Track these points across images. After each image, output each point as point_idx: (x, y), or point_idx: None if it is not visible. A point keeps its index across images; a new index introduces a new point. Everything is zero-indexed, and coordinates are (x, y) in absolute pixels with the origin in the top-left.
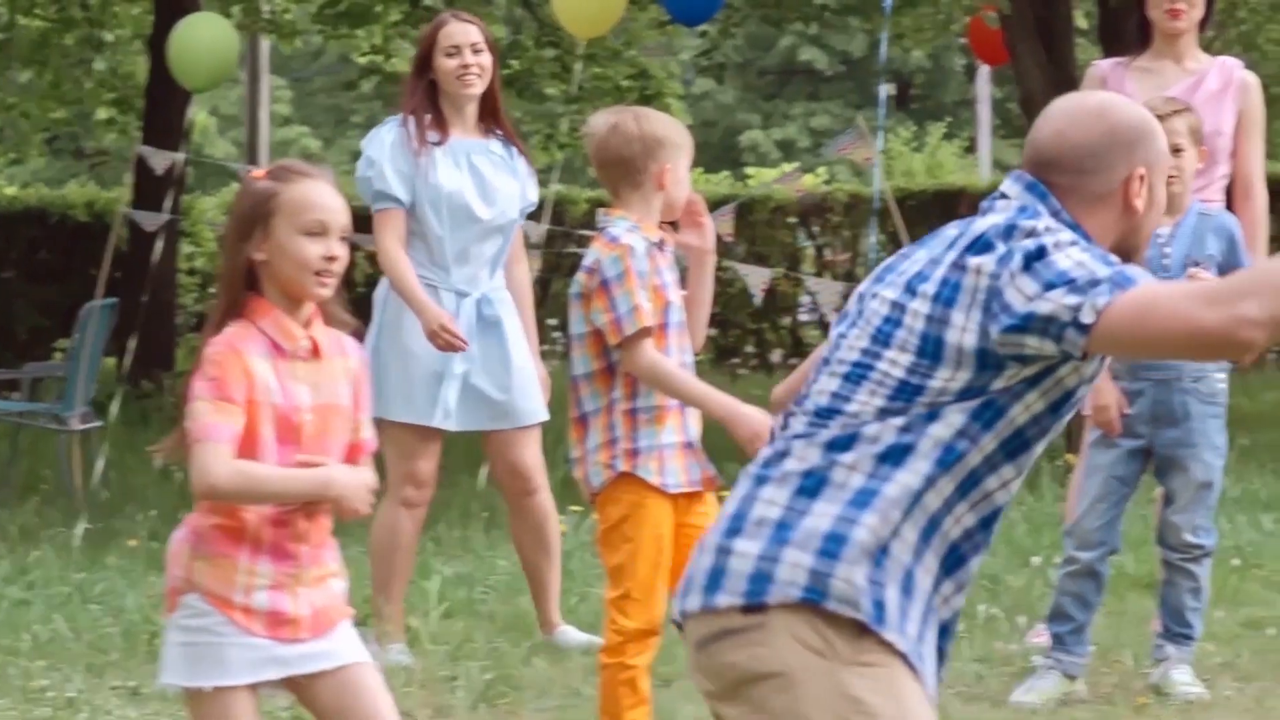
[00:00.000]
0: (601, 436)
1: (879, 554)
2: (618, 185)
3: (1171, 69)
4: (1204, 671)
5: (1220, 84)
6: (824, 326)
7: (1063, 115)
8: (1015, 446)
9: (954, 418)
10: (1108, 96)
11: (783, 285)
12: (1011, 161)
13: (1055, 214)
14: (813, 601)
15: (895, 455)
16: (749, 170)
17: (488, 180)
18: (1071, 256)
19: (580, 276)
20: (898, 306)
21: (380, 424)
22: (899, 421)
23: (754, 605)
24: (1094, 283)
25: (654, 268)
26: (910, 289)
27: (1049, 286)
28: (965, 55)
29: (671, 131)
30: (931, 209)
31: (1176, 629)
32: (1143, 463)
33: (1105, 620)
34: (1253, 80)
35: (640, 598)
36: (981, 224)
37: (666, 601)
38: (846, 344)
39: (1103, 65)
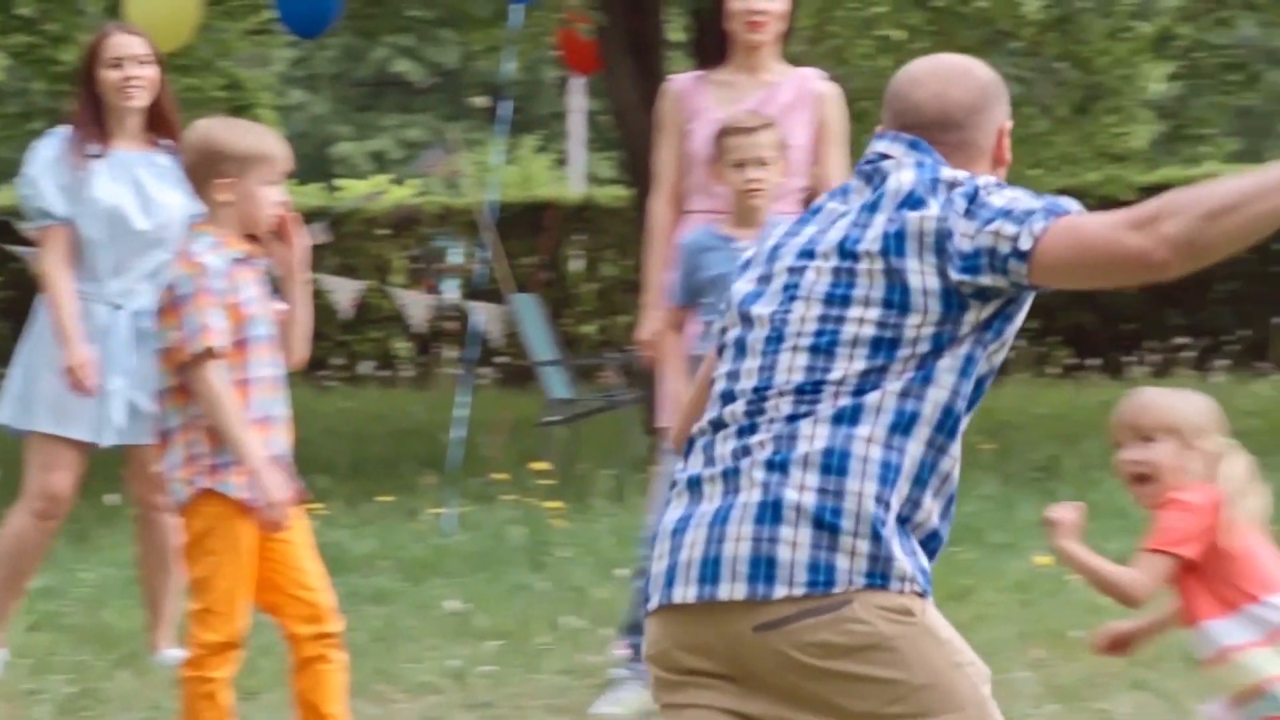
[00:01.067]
0: (183, 452)
1: (908, 524)
2: (199, 197)
3: (748, 81)
4: None
5: (794, 96)
6: (416, 338)
7: (936, 78)
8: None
9: (946, 379)
10: (961, 57)
11: (374, 298)
12: (605, 174)
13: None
14: (878, 586)
15: (904, 425)
16: (340, 182)
17: (149, 192)
18: (1004, 194)
19: (161, 292)
20: (842, 271)
21: (25, 435)
22: (897, 387)
23: (818, 595)
24: (1029, 212)
25: (233, 285)
26: (847, 252)
27: (987, 221)
28: (559, 68)
29: (243, 144)
30: (523, 221)
31: None
32: None
33: None
34: (831, 91)
35: (222, 611)
36: (899, 182)
37: (248, 615)
38: (795, 318)
39: (680, 79)
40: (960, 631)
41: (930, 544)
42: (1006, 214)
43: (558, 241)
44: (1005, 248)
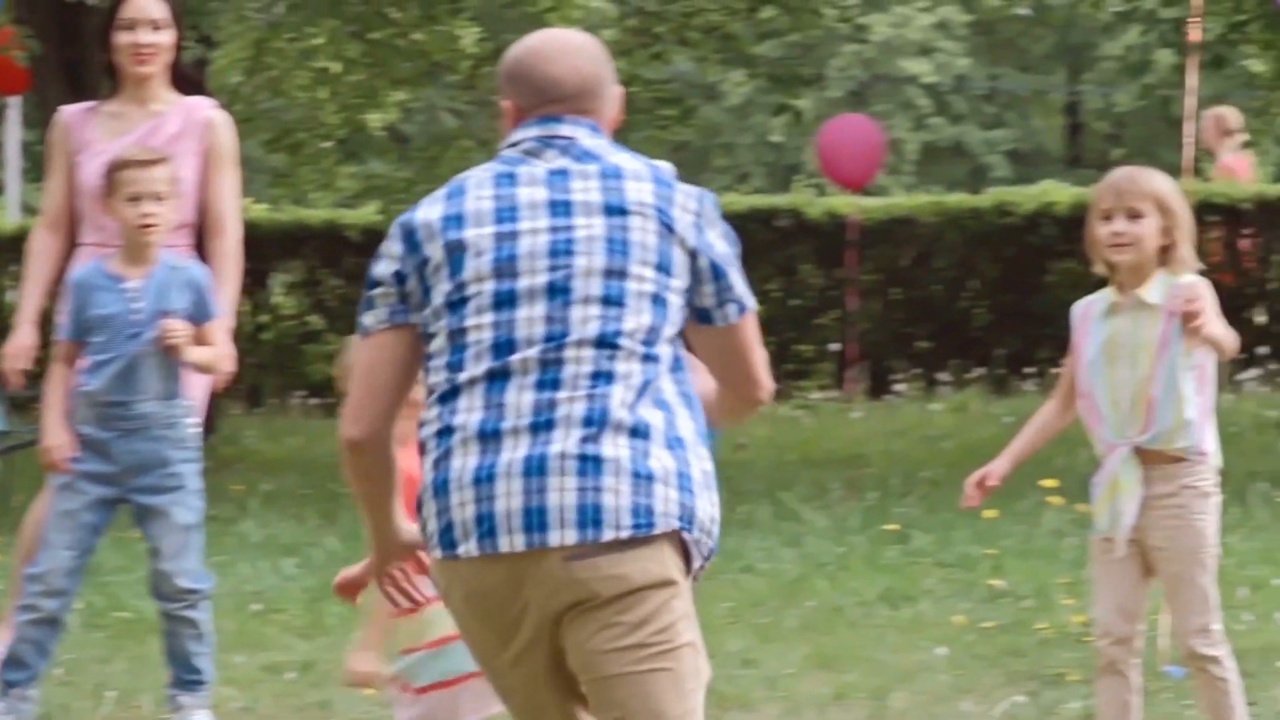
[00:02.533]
0: None
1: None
2: None
3: (137, 113)
4: (225, 716)
5: (181, 125)
6: None
7: (564, 52)
8: None
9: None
10: (568, 31)
11: None
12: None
13: None
14: (683, 530)
15: (679, 369)
16: None
17: None
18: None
19: None
20: (615, 242)
21: None
22: (670, 339)
23: (640, 538)
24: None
25: None
26: (616, 211)
27: (730, 259)
28: None
29: None
30: None
31: (186, 676)
32: (112, 511)
33: (127, 665)
34: (220, 117)
35: None
36: (620, 163)
37: None
38: (578, 278)
39: (69, 110)
40: None
41: None
42: (735, 263)
43: None
44: (739, 289)
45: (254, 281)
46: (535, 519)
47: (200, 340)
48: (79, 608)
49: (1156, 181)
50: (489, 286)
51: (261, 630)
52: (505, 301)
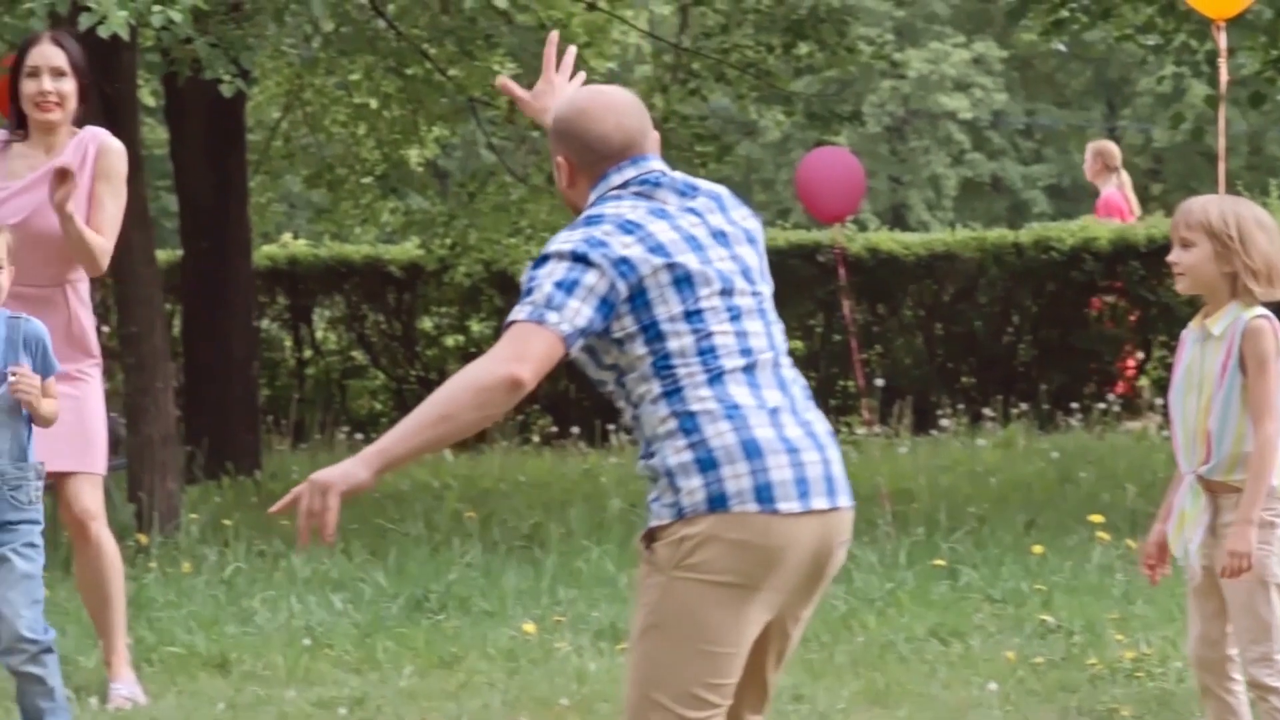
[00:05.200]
0: None
1: None
2: None
3: (41, 158)
4: None
5: (74, 156)
6: None
7: (629, 102)
8: None
9: None
10: (608, 88)
11: None
12: None
13: None
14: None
15: None
16: None
17: None
18: None
19: None
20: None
21: None
22: None
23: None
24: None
25: None
26: (756, 240)
27: None
28: None
29: None
30: None
31: None
32: None
33: (177, 700)
34: (109, 143)
35: None
36: (723, 194)
37: None
38: (766, 300)
39: None
40: (447, 700)
41: None
42: None
43: None
44: None
45: (296, 317)
46: (831, 484)
47: (43, 394)
48: (128, 642)
49: (1210, 211)
50: (721, 302)
51: (312, 665)
52: (736, 315)
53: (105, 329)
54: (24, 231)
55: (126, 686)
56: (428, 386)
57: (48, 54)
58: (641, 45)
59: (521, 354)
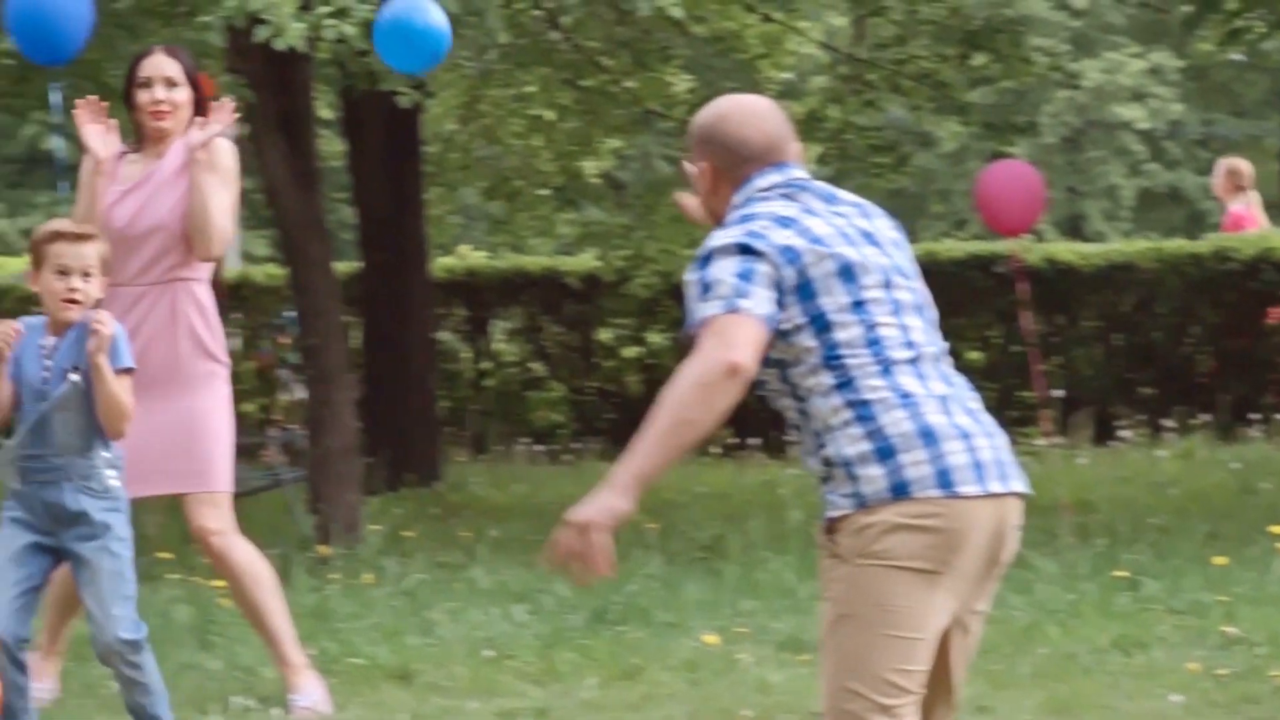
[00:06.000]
0: None
1: None
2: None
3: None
4: None
5: (183, 157)
6: None
7: (770, 109)
8: None
9: None
10: (749, 96)
11: None
12: (260, 251)
13: None
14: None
15: None
16: None
17: None
18: None
19: None
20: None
21: None
22: None
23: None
24: None
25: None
26: (902, 247)
27: None
28: None
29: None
30: None
31: None
32: (55, 559)
33: (361, 711)
34: (220, 141)
35: None
36: (865, 203)
37: None
38: (922, 298)
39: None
40: (630, 712)
41: None
42: None
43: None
44: None
45: (475, 328)
46: (1003, 469)
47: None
48: (311, 654)
49: None
50: (884, 294)
51: (494, 677)
52: (897, 309)
53: (284, 340)
54: (131, 230)
55: (306, 697)
56: (606, 398)
57: (160, 64)
58: (817, 56)
59: (731, 343)
